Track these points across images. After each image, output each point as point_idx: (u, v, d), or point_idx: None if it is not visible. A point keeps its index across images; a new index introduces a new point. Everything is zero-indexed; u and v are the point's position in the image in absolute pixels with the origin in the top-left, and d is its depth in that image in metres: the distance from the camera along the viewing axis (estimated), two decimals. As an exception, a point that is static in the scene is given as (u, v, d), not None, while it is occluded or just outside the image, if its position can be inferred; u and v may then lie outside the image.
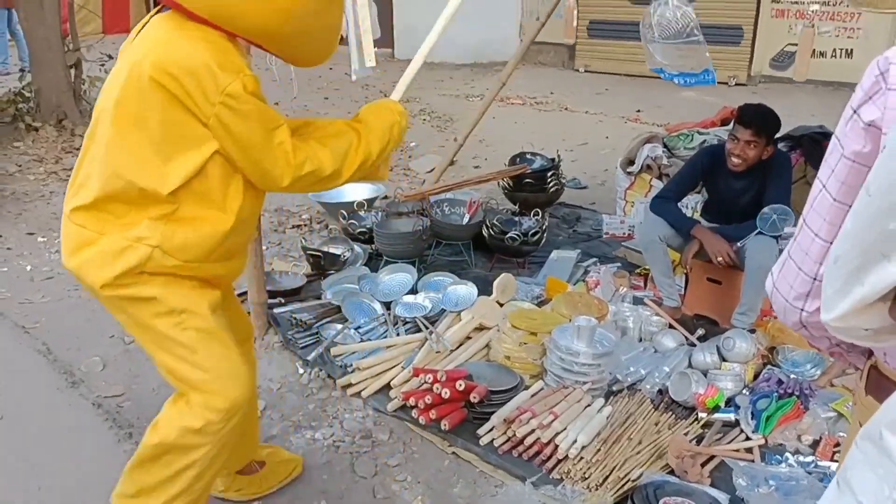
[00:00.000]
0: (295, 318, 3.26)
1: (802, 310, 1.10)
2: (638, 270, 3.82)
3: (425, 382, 2.62)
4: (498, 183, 4.71)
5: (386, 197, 4.69)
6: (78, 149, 5.93)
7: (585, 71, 10.46)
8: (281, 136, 1.70)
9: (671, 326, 3.21)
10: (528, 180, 4.50)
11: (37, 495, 2.29)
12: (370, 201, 4.38)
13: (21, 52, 9.75)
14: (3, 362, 3.05)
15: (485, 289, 3.35)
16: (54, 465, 2.44)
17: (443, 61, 10.75)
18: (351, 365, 2.93)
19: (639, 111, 7.79)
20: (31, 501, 2.28)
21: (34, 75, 6.36)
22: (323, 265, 3.77)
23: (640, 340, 3.17)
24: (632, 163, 4.53)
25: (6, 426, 2.66)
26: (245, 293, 3.30)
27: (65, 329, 3.31)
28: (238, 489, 2.28)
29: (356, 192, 4.63)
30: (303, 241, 4.05)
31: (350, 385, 2.85)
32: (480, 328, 3.10)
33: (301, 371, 3.01)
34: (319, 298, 3.50)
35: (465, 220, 4.03)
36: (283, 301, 3.47)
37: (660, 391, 2.78)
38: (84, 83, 6.61)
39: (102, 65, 6.77)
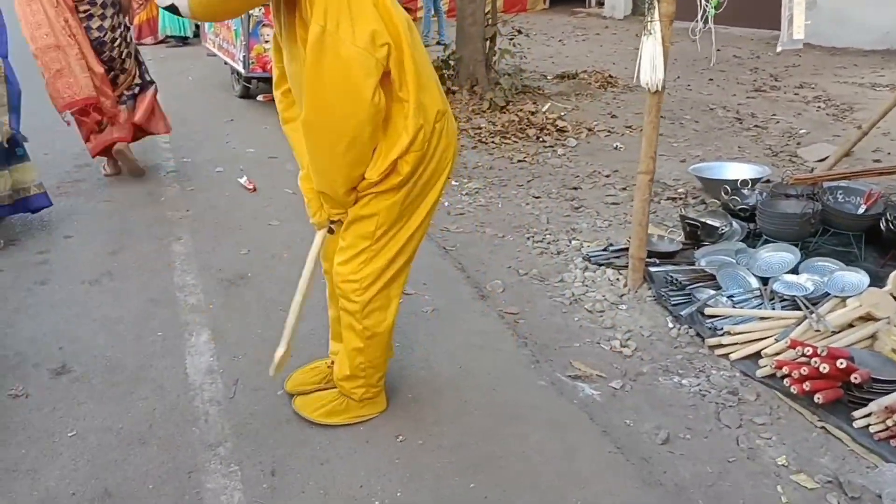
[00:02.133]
0: (670, 277, 3.49)
1: None
2: None
3: (803, 355, 2.66)
4: (905, 178, 4.30)
5: (768, 181, 4.60)
6: (485, 111, 6.74)
7: None
8: None
9: None
10: (944, 178, 4.04)
11: (459, 372, 2.92)
12: (754, 181, 4.36)
13: (441, 28, 11.36)
14: (431, 270, 3.80)
15: (874, 283, 3.18)
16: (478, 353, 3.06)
17: (848, 46, 9.73)
18: (721, 328, 3.08)
19: None
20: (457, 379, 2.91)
21: (458, 46, 7.42)
22: (699, 235, 3.91)
23: None
24: None
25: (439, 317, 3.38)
26: (626, 249, 3.65)
27: (474, 255, 4.01)
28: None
29: (740, 171, 4.65)
30: (682, 210, 4.23)
31: (720, 346, 3.00)
32: (867, 318, 2.98)
33: (671, 325, 3.24)
34: (692, 265, 3.67)
35: (861, 210, 3.81)
36: (657, 262, 3.72)
37: None
38: (495, 55, 7.53)
39: (511, 38, 7.62)
